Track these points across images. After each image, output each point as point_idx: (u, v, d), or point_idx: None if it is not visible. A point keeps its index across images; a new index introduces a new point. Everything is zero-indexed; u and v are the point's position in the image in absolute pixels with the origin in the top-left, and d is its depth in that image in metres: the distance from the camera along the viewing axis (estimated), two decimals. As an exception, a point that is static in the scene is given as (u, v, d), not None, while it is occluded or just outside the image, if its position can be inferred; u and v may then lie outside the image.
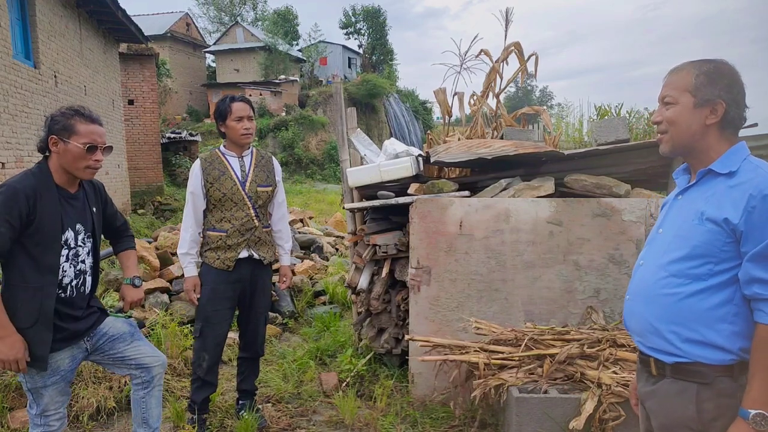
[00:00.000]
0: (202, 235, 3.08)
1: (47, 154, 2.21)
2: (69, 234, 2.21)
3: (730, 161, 1.48)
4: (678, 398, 1.51)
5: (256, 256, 3.08)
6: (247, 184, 3.05)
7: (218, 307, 3.03)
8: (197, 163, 3.07)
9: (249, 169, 3.08)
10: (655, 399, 1.58)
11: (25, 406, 3.26)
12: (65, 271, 2.21)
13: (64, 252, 2.20)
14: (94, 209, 2.37)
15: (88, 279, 2.34)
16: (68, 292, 2.24)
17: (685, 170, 1.65)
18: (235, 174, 3.03)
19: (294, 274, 6.10)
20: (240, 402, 3.31)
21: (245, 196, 3.03)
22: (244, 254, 3.05)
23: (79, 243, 2.27)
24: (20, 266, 2.11)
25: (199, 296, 3.03)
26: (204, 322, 3.03)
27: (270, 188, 3.14)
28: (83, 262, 2.29)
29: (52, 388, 2.24)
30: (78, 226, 2.26)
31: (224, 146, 3.11)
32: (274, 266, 3.32)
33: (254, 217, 3.06)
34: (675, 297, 1.51)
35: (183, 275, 3.21)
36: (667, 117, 1.54)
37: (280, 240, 3.28)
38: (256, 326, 3.21)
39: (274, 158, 3.28)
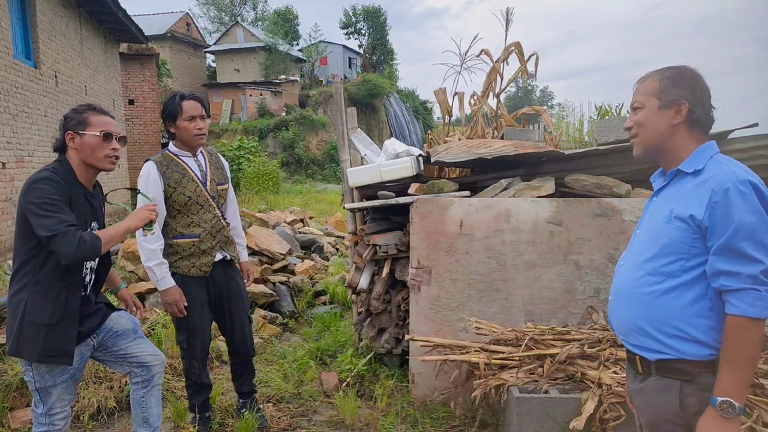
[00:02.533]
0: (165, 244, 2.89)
1: (64, 153, 2.24)
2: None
3: (697, 160, 1.55)
4: (662, 394, 1.56)
5: (228, 256, 3.00)
6: (208, 184, 2.93)
7: (202, 314, 2.95)
8: (152, 166, 2.80)
9: (206, 168, 2.96)
10: (642, 396, 1.64)
11: (26, 406, 3.28)
12: (86, 268, 2.25)
13: None
14: (104, 209, 2.43)
15: (93, 276, 2.37)
16: (86, 290, 2.28)
17: (661, 173, 1.71)
18: (195, 175, 2.89)
19: (294, 274, 6.11)
20: (241, 401, 3.29)
21: (209, 197, 2.91)
22: (218, 257, 2.96)
23: None
24: (47, 263, 2.13)
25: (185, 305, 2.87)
26: (190, 332, 2.93)
27: (226, 186, 3.07)
28: (94, 260, 2.32)
29: (61, 387, 2.25)
30: (94, 224, 2.30)
31: (175, 146, 2.92)
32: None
33: (221, 218, 2.98)
34: (651, 295, 1.56)
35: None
36: (636, 120, 1.62)
37: (237, 237, 3.18)
38: (243, 329, 3.11)
39: (219, 154, 3.19)
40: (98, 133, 2.18)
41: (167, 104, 2.84)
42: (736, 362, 1.42)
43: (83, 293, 2.25)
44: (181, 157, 2.90)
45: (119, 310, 2.54)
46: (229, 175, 3.15)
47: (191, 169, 2.90)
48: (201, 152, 3.00)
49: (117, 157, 2.26)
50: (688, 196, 1.52)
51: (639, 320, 1.59)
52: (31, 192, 2.07)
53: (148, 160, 2.87)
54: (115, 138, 2.24)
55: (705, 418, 1.46)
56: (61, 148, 2.23)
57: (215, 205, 2.95)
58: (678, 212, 1.52)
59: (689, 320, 1.50)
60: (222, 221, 2.98)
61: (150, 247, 2.74)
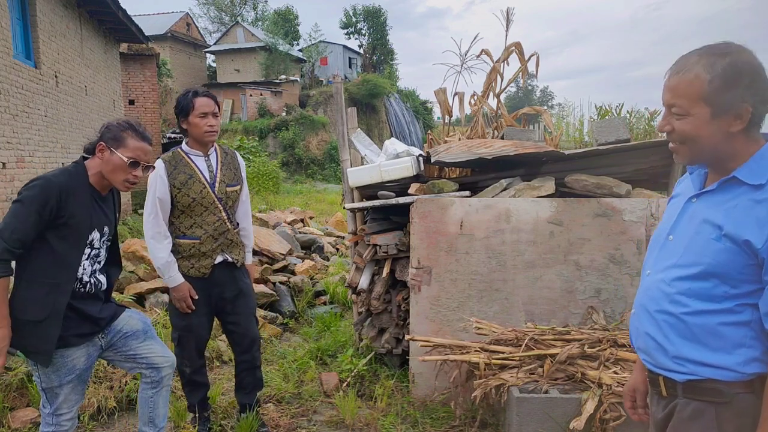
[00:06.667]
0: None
1: (88, 157, 2.27)
2: (95, 234, 2.26)
3: (760, 168, 1.27)
4: (696, 423, 1.35)
5: (230, 259, 2.96)
6: (216, 185, 2.87)
7: (198, 314, 2.91)
8: (159, 165, 2.78)
9: (216, 169, 2.90)
10: (671, 426, 1.43)
11: (26, 406, 3.28)
12: (85, 269, 2.25)
13: (87, 251, 2.24)
14: (117, 214, 2.44)
15: (104, 278, 2.37)
16: (87, 288, 2.27)
17: (699, 164, 1.44)
18: (203, 176, 2.84)
19: (294, 273, 6.11)
20: (243, 415, 3.15)
21: (216, 199, 2.86)
22: (219, 259, 2.92)
23: (102, 244, 2.32)
24: (39, 261, 2.14)
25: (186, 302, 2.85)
26: (183, 330, 2.91)
27: (238, 187, 3.01)
28: (99, 262, 2.34)
29: (68, 387, 2.25)
30: (105, 229, 2.31)
31: (187, 144, 2.89)
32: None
33: (226, 220, 2.93)
34: (685, 318, 1.36)
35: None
36: (682, 132, 1.32)
37: (244, 238, 3.11)
38: (246, 328, 3.06)
39: (237, 153, 3.14)
40: (125, 159, 2.19)
41: (180, 100, 2.83)
42: None
43: (82, 290, 2.25)
44: (191, 157, 2.87)
45: (129, 309, 2.54)
46: (244, 175, 3.10)
47: (200, 170, 2.86)
48: (215, 150, 2.95)
49: (135, 183, 2.26)
50: (744, 213, 1.26)
51: (667, 342, 1.39)
52: (23, 190, 2.10)
53: (158, 158, 2.86)
54: (142, 166, 2.24)
55: None
56: (91, 151, 2.26)
57: (221, 208, 2.90)
58: (729, 231, 1.27)
59: (729, 350, 1.31)
60: (226, 224, 2.93)
61: (157, 245, 2.78)
